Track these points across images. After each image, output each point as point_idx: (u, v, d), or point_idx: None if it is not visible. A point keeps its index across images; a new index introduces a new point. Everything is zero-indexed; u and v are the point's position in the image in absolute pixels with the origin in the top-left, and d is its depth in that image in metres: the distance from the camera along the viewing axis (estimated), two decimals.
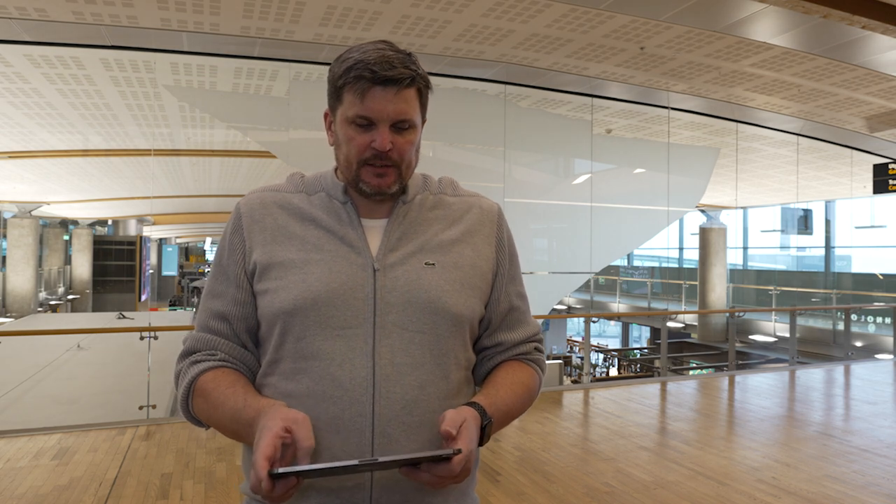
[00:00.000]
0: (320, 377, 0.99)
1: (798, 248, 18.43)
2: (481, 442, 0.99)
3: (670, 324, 15.30)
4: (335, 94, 1.04)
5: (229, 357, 1.08)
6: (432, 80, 1.07)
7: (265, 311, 1.05)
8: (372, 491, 0.98)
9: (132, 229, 26.26)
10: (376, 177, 1.04)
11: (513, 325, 1.16)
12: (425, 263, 1.06)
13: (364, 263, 1.04)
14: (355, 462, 0.86)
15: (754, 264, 20.17)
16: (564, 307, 20.62)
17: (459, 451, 0.89)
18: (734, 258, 18.88)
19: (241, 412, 0.97)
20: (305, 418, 0.91)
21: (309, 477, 0.87)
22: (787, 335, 9.97)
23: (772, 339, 13.41)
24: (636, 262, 25.16)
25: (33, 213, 16.46)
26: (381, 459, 0.86)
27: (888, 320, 11.73)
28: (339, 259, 1.04)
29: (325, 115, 1.10)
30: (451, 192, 1.17)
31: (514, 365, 1.15)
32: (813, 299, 15.75)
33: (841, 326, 11.36)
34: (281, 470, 0.82)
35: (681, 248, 22.81)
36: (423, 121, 1.10)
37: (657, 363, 13.80)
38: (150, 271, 29.35)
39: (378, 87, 0.99)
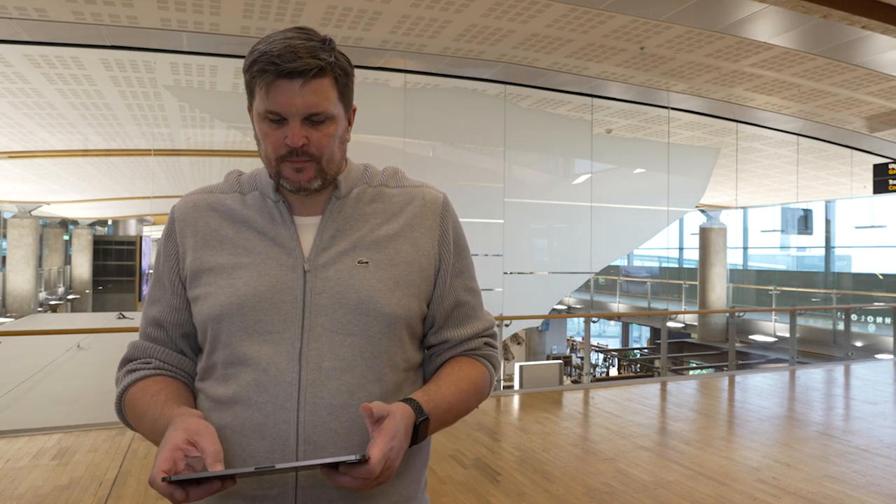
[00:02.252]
0: (247, 383, 0.97)
1: (798, 248, 18.44)
2: (416, 440, 0.95)
3: (670, 324, 15.30)
4: (248, 89, 1.00)
5: (165, 364, 1.07)
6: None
7: (197, 317, 1.04)
8: (296, 498, 0.94)
9: (132, 229, 26.28)
10: (295, 171, 0.99)
11: (460, 321, 1.11)
12: (358, 262, 1.02)
13: (294, 264, 1.01)
14: (251, 469, 0.83)
15: (754, 264, 20.17)
16: (564, 307, 20.62)
17: (366, 457, 0.84)
18: (734, 258, 18.88)
19: (157, 421, 0.95)
20: (208, 428, 0.88)
21: (206, 482, 0.83)
22: (787, 335, 9.97)
23: (772, 339, 13.41)
24: (636, 262, 25.17)
25: (33, 213, 16.46)
26: (277, 466, 0.84)
27: (888, 320, 11.73)
28: (268, 261, 1.01)
29: (249, 110, 1.05)
30: (392, 184, 1.11)
31: (461, 360, 1.10)
32: (813, 299, 15.76)
33: (841, 326, 11.36)
34: (174, 477, 0.81)
35: (681, 248, 22.82)
36: (351, 109, 1.05)
37: (657, 363, 13.80)
38: (150, 271, 29.35)
39: (283, 81, 0.93)
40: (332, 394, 0.96)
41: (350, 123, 1.06)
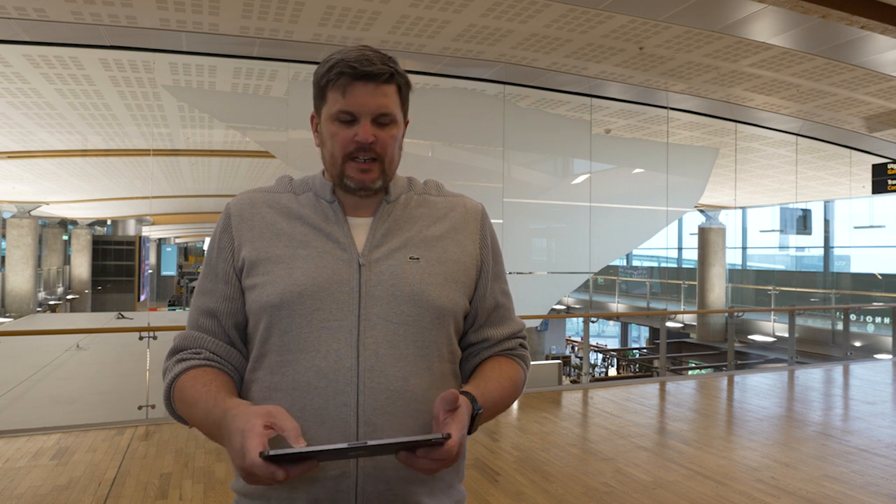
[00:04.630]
0: (305, 369, 1.02)
1: (797, 248, 18.44)
2: (470, 430, 1.00)
3: (669, 324, 15.30)
4: (320, 94, 1.09)
5: (214, 355, 1.10)
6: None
7: (252, 305, 1.08)
8: (357, 479, 0.99)
9: (131, 229, 26.27)
10: (360, 172, 1.07)
11: (498, 321, 1.20)
12: (410, 258, 1.09)
13: (349, 259, 1.07)
14: (344, 445, 0.86)
15: (753, 264, 20.18)
16: (563, 307, 20.63)
17: (449, 436, 0.90)
18: (733, 258, 18.89)
19: (211, 411, 0.98)
20: (279, 408, 0.92)
21: (301, 459, 0.86)
22: (786, 335, 9.98)
23: (771, 339, 13.42)
24: (635, 262, 25.18)
25: (32, 213, 16.46)
26: (370, 443, 0.88)
27: (887, 320, 11.75)
28: (324, 255, 1.07)
29: (312, 118, 1.14)
30: (435, 193, 1.21)
31: (501, 360, 1.18)
32: (812, 299, 15.77)
33: (840, 326, 11.37)
34: (272, 452, 0.83)
35: (680, 248, 22.83)
36: (406, 121, 1.14)
37: (656, 363, 13.80)
38: (149, 271, 29.34)
39: (359, 83, 1.04)
40: (389, 379, 1.02)
41: (403, 134, 1.15)
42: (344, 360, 1.01)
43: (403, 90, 1.10)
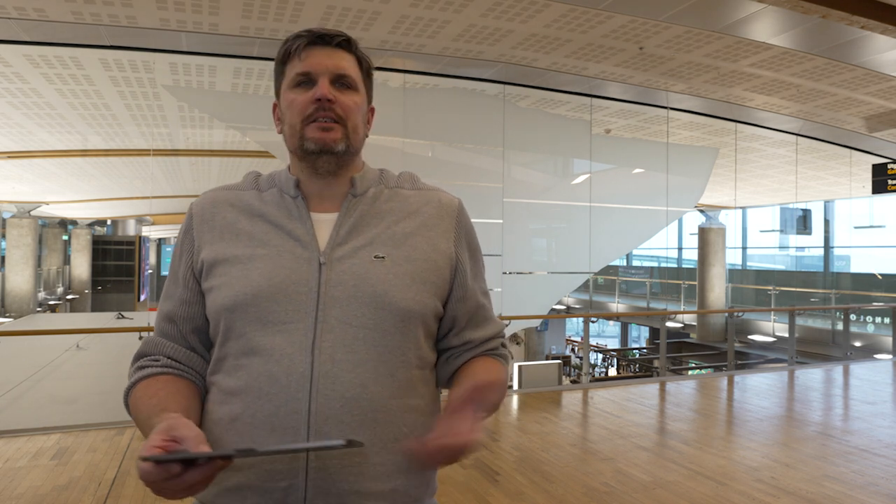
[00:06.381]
0: (258, 373, 0.97)
1: (797, 248, 18.44)
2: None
3: (669, 324, 15.29)
4: (280, 71, 1.08)
5: (174, 361, 1.06)
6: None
7: (210, 308, 1.04)
8: (306, 492, 0.94)
9: (131, 229, 26.29)
10: (321, 130, 1.03)
11: (480, 323, 1.14)
12: (374, 257, 1.03)
13: (310, 257, 1.02)
14: (230, 452, 0.82)
15: (753, 264, 20.18)
16: (563, 307, 20.62)
17: (349, 443, 0.85)
18: (733, 258, 18.88)
19: (146, 427, 0.95)
20: (179, 419, 0.87)
21: (183, 462, 0.81)
22: (786, 335, 9.98)
23: (771, 339, 13.42)
24: (635, 262, 25.18)
25: (32, 213, 16.46)
26: (258, 450, 0.83)
27: (887, 320, 11.74)
28: (284, 253, 1.02)
29: (274, 107, 1.12)
30: (409, 186, 1.14)
31: (485, 360, 1.13)
32: (812, 299, 15.76)
33: (840, 326, 11.37)
34: (149, 456, 0.79)
35: (680, 248, 22.82)
36: (372, 108, 1.13)
37: (656, 363, 13.80)
38: (149, 271, 29.35)
39: (316, 46, 1.05)
40: (344, 386, 0.96)
41: (369, 122, 1.13)
42: (297, 364, 0.96)
43: (364, 64, 1.09)
